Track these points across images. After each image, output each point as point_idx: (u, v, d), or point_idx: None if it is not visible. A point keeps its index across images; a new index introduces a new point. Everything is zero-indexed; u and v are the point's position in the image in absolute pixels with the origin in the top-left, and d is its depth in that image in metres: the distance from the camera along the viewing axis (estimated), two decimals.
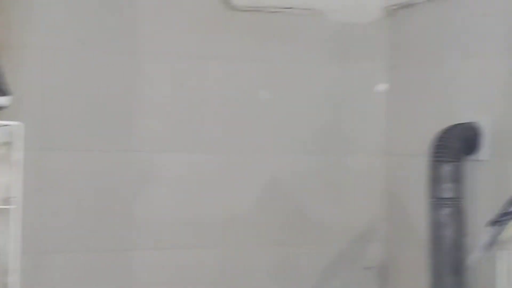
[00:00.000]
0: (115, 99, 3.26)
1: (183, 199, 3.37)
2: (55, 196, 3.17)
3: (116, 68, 3.26)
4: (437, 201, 3.11)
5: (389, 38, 3.66)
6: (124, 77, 3.28)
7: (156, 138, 3.33)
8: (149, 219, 3.31)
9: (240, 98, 3.45)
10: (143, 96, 3.30)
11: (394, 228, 3.63)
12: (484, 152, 3.15)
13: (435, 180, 3.12)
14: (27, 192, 2.60)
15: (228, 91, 3.44)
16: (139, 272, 3.30)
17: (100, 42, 3.24)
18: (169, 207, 3.34)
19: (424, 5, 3.48)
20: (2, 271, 2.54)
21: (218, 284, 3.42)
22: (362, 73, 3.64)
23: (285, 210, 3.51)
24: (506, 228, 2.27)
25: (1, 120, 2.55)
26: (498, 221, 2.29)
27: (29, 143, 2.58)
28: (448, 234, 3.08)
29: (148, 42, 3.30)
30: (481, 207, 3.17)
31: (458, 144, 3.11)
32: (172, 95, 3.35)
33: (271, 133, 3.49)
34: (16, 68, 3.00)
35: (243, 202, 3.45)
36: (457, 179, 3.11)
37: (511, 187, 3.03)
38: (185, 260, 3.37)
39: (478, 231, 3.16)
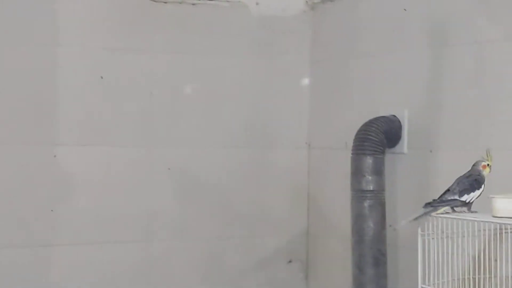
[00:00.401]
0: (33, 91, 3.20)
1: (104, 194, 3.32)
2: None
3: (35, 60, 3.20)
4: (358, 194, 3.15)
5: (312, 32, 3.68)
6: (43, 69, 3.21)
7: (76, 132, 3.28)
8: (69, 214, 3.25)
9: (163, 91, 3.42)
10: (62, 88, 3.24)
11: (317, 221, 3.65)
12: (404, 145, 3.20)
13: (356, 173, 3.16)
14: None
15: (151, 84, 3.40)
16: (59, 268, 3.25)
17: (18, 32, 3.17)
18: (90, 202, 3.30)
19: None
20: None
21: (142, 279, 3.39)
22: (286, 67, 3.65)
23: (209, 204, 3.49)
24: (437, 210, 2.33)
25: None
26: (433, 206, 2.34)
27: None
28: (370, 226, 3.12)
29: (68, 34, 3.25)
30: (401, 199, 3.22)
31: (379, 137, 3.15)
32: (93, 88, 3.30)
33: (195, 127, 3.48)
34: None
35: (167, 196, 3.43)
36: (378, 171, 3.15)
37: (430, 179, 3.08)
38: (107, 256, 3.33)
39: (399, 222, 3.21)
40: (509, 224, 2.24)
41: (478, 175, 2.41)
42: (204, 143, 3.49)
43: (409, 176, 3.20)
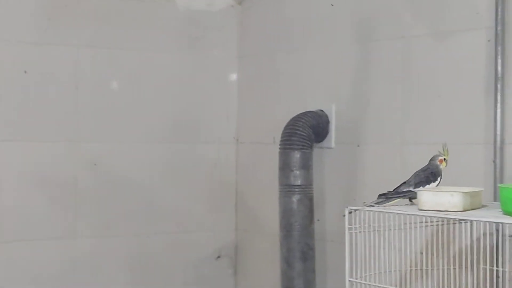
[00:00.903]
0: None
1: (28, 190, 3.26)
2: None
3: None
4: (286, 189, 3.16)
5: (240, 26, 3.68)
6: None
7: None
8: None
9: (89, 86, 3.38)
10: None
11: (246, 216, 3.66)
12: (332, 139, 3.22)
13: (284, 168, 3.17)
14: None
15: (77, 78, 3.35)
16: None
17: None
18: (14, 198, 3.23)
19: None
20: None
21: (66, 278, 3.34)
22: (213, 62, 3.65)
23: (136, 200, 3.46)
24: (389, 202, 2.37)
25: None
26: (387, 197, 2.37)
27: None
28: (298, 220, 3.13)
29: None
30: (329, 193, 3.24)
31: (306, 132, 3.16)
32: (16, 83, 3.23)
33: (122, 122, 3.44)
34: None
35: (93, 192, 3.38)
36: (306, 166, 3.16)
37: (357, 173, 3.11)
38: (30, 254, 3.27)
39: (327, 217, 3.24)
40: (433, 216, 2.27)
41: (435, 168, 2.45)
42: (130, 138, 3.46)
43: (337, 170, 3.22)
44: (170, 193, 3.55)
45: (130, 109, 3.46)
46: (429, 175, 2.44)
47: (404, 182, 2.45)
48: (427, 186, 2.41)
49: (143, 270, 3.49)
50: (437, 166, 2.45)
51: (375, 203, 2.38)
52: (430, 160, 2.47)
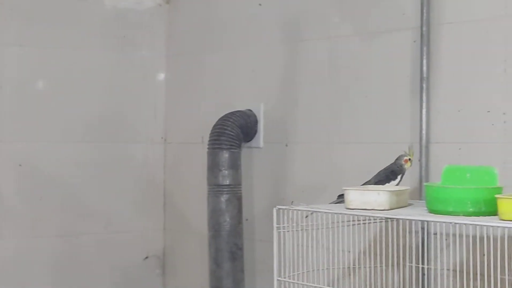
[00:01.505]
0: None
1: None
2: None
3: None
4: (215, 188, 3.15)
5: (168, 25, 3.66)
6: None
7: None
8: None
9: (12, 85, 3.32)
10: None
11: (174, 216, 3.64)
12: (260, 139, 3.23)
13: (213, 168, 3.17)
14: None
15: (1, 77, 3.29)
16: None
17: None
18: None
19: None
20: None
21: None
22: (141, 61, 3.62)
23: (62, 200, 3.41)
24: None
25: None
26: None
27: None
28: (226, 220, 3.13)
29: None
30: (257, 193, 3.25)
31: (235, 132, 3.16)
32: None
33: (47, 121, 3.39)
34: None
35: (18, 193, 3.33)
36: (235, 166, 3.16)
37: (286, 172, 3.13)
38: None
39: (256, 216, 3.24)
40: (360, 215, 2.29)
41: (398, 167, 2.48)
42: (57, 138, 3.41)
43: (266, 170, 3.23)
44: (97, 193, 3.51)
45: (56, 109, 3.40)
46: (389, 173, 2.47)
47: (367, 181, 2.48)
48: (387, 184, 2.43)
49: (70, 271, 3.45)
50: (400, 165, 2.47)
51: (335, 203, 2.40)
52: (396, 159, 2.50)
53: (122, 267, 3.57)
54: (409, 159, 2.48)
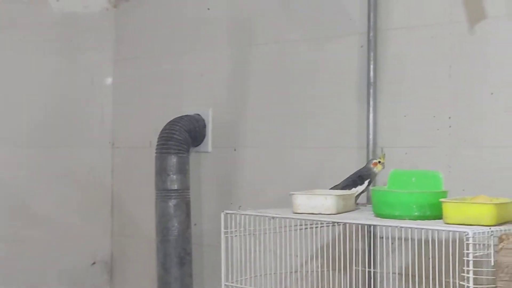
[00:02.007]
0: None
1: None
2: None
3: None
4: (163, 193, 3.14)
5: (115, 29, 3.64)
6: None
7: None
8: None
9: None
10: None
11: (122, 221, 3.61)
12: (209, 143, 3.22)
13: (161, 172, 3.15)
14: None
15: None
16: None
17: None
18: None
19: None
20: None
21: None
22: (88, 65, 3.58)
23: (7, 205, 3.36)
24: None
25: None
26: None
27: None
28: (175, 225, 3.12)
29: None
30: (206, 197, 3.24)
31: (183, 136, 3.16)
32: None
33: None
34: None
35: None
36: (183, 170, 3.15)
37: (234, 177, 3.12)
38: None
39: (204, 221, 3.24)
40: (307, 219, 2.30)
41: (366, 171, 2.48)
42: (2, 142, 3.36)
43: (214, 174, 3.22)
44: (44, 199, 3.46)
45: (1, 113, 3.35)
46: (356, 178, 2.48)
47: (336, 185, 2.49)
48: (353, 189, 2.44)
49: (17, 277, 3.39)
50: (369, 169, 2.48)
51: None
52: (366, 163, 2.51)
53: (70, 272, 3.53)
54: (379, 162, 2.48)
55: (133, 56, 3.58)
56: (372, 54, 2.67)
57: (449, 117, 2.50)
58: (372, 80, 2.67)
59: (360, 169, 2.53)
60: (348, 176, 2.51)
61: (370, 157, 2.64)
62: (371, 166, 2.49)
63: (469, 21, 2.46)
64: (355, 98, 2.74)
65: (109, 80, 3.64)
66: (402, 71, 2.63)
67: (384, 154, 2.51)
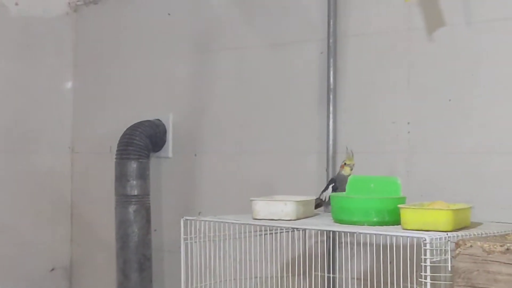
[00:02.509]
0: None
1: None
2: None
3: None
4: (123, 199, 3.13)
5: (75, 34, 3.61)
6: None
7: None
8: None
9: None
10: None
11: (81, 227, 3.59)
12: (169, 149, 3.21)
13: (121, 178, 3.14)
14: None
15: None
16: None
17: None
18: None
19: (109, 2, 3.48)
20: None
21: None
22: (47, 70, 3.55)
23: None
24: None
25: None
26: None
27: None
28: (134, 231, 3.11)
29: None
30: (166, 203, 3.23)
31: (143, 142, 3.14)
32: None
33: None
34: None
35: None
36: (143, 176, 3.14)
37: (195, 182, 3.12)
38: None
39: (164, 227, 3.22)
40: (266, 225, 2.30)
41: (335, 175, 2.49)
42: None
43: (174, 179, 3.21)
44: (2, 204, 3.42)
45: None
46: (329, 181, 2.50)
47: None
48: (325, 193, 2.44)
49: None
50: (338, 172, 2.47)
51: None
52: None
53: (28, 279, 3.49)
54: (345, 164, 2.46)
55: (93, 60, 3.56)
56: (332, 60, 2.68)
57: (408, 123, 2.52)
58: (332, 86, 2.68)
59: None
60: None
61: (330, 162, 2.65)
62: (340, 169, 2.49)
63: (428, 29, 2.48)
64: (315, 104, 2.75)
65: (69, 85, 3.61)
66: (361, 77, 2.65)
67: (351, 155, 2.46)
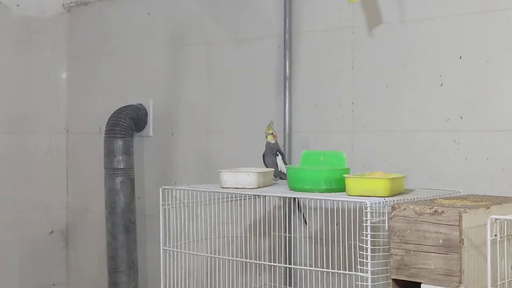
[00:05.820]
0: None
1: None
2: None
3: None
4: (111, 172, 3.09)
5: (69, 31, 3.56)
6: None
7: None
8: None
9: None
10: None
11: (76, 196, 3.55)
12: (150, 129, 3.18)
13: (109, 154, 3.11)
14: None
15: None
16: None
17: None
18: None
19: (98, 3, 3.43)
20: None
21: None
22: (44, 62, 3.49)
23: None
24: None
25: None
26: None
27: None
28: (121, 199, 3.08)
29: None
30: (148, 175, 3.20)
31: (128, 123, 3.11)
32: None
33: None
34: None
35: None
36: (128, 152, 3.11)
37: (171, 157, 3.09)
38: None
39: (146, 195, 3.20)
40: (233, 193, 2.29)
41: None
42: None
43: (155, 155, 3.18)
44: (7, 178, 3.37)
45: None
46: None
47: None
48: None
49: None
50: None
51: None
52: None
53: (30, 241, 3.45)
54: (271, 133, 2.44)
55: (85, 54, 3.51)
56: (287, 53, 2.66)
57: (352, 104, 2.50)
58: (287, 75, 2.66)
59: None
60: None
61: (286, 139, 2.63)
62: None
63: (368, 26, 2.47)
64: (273, 90, 2.73)
65: (63, 75, 3.56)
66: (312, 67, 2.63)
67: (271, 125, 2.42)
